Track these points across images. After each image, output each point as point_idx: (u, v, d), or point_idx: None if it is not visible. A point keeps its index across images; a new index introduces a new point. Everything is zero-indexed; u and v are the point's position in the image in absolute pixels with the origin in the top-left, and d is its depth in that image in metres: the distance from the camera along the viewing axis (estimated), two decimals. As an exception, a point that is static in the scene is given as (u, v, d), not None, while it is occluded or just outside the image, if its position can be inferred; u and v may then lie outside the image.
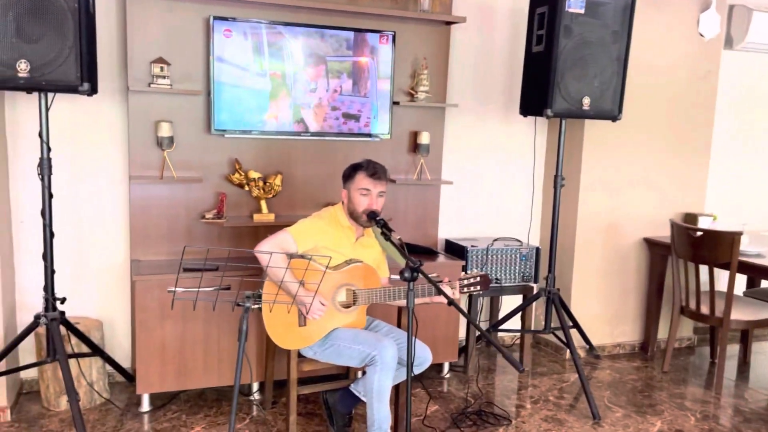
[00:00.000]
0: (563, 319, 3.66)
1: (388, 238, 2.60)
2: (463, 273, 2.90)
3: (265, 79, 3.37)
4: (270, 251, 2.44)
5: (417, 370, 2.79)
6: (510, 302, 4.13)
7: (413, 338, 2.39)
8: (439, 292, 2.40)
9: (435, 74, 3.79)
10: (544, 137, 4.24)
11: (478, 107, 4.06)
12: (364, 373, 2.82)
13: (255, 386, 3.40)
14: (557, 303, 3.68)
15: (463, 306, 3.90)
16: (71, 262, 3.37)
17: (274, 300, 2.37)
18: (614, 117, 3.58)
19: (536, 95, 3.52)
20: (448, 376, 3.78)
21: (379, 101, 3.61)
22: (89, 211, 3.38)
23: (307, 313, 2.59)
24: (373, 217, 2.70)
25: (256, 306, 2.48)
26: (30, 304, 3.26)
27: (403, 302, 2.83)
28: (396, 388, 2.94)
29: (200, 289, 2.45)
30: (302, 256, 2.71)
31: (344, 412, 2.94)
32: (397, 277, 3.38)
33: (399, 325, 3.06)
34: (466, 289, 2.85)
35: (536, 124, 4.06)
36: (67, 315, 3.28)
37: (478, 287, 2.87)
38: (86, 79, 2.65)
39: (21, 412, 3.12)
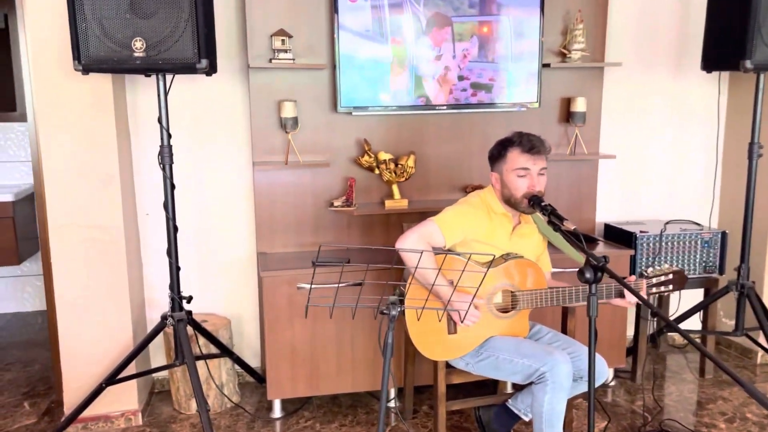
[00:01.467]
0: (762, 319, 2.99)
1: (557, 229, 2.11)
2: (650, 269, 2.35)
3: (386, 48, 2.95)
4: (416, 249, 2.03)
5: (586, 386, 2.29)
6: (688, 297, 3.47)
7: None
8: (636, 296, 1.88)
9: (591, 29, 3.20)
10: (725, 98, 3.50)
11: (643, 65, 3.42)
12: (521, 387, 2.36)
13: (392, 392, 3.04)
14: (753, 299, 3.01)
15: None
16: (197, 257, 3.17)
17: (422, 306, 1.96)
18: (832, 66, 2.82)
19: (727, 45, 2.84)
20: (613, 384, 3.23)
21: (515, 67, 3.07)
22: (212, 201, 3.15)
23: (462, 320, 2.17)
24: (537, 202, 2.22)
25: (405, 308, 2.10)
26: (159, 301, 3.10)
27: (571, 304, 2.34)
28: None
29: (338, 285, 2.09)
30: (450, 251, 2.28)
31: (502, 431, 2.50)
32: (558, 270, 2.89)
33: (564, 330, 2.56)
34: (655, 289, 2.30)
35: (720, 81, 3.33)
36: (194, 312, 3.10)
37: (671, 287, 2.31)
38: (204, 56, 2.37)
39: (152, 414, 2.98)
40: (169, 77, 2.58)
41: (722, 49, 2.89)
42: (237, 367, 3.09)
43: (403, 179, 3.11)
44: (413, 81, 3.01)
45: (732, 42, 2.80)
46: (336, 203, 3.08)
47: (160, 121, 2.55)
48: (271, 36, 2.89)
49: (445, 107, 3.08)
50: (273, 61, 2.90)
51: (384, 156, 3.08)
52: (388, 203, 3.09)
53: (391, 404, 3.04)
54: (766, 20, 2.69)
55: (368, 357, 2.90)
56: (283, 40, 2.88)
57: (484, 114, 3.20)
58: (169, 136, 2.57)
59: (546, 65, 3.14)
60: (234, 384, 3.08)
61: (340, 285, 2.74)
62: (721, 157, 3.54)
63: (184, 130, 3.05)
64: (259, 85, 2.99)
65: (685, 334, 2.18)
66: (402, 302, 2.06)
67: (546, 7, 3.06)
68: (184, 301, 2.68)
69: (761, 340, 3.22)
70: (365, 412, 2.97)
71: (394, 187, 3.12)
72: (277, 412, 2.94)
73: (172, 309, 2.66)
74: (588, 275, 1.90)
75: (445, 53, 3.02)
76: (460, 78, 3.05)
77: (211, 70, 2.55)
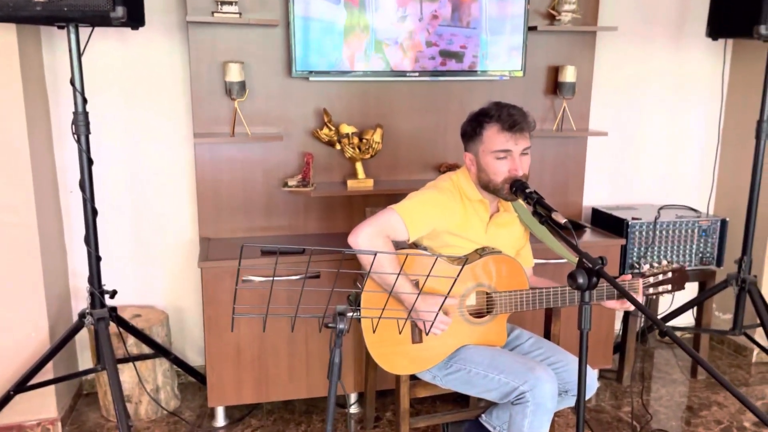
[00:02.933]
0: (764, 316, 2.70)
1: (545, 221, 1.75)
2: (647, 266, 2.01)
3: (338, 7, 2.53)
4: (373, 250, 1.66)
5: (573, 400, 1.98)
6: (682, 291, 3.16)
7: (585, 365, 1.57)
8: (636, 305, 1.53)
9: (584, -13, 2.82)
10: (728, 69, 3.15)
11: (641, 32, 3.05)
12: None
13: (353, 397, 2.70)
14: (755, 294, 2.71)
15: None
16: (131, 242, 2.77)
17: (379, 316, 1.60)
18: None
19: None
20: (597, 385, 2.92)
21: (492, 33, 2.68)
22: (148, 179, 2.74)
23: (427, 331, 1.81)
24: (520, 188, 1.85)
25: (354, 316, 1.73)
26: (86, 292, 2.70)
27: (557, 307, 1.99)
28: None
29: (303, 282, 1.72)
30: (415, 246, 1.92)
31: (473, 451, 2.18)
32: (541, 261, 2.54)
33: (548, 334, 2.22)
34: (652, 290, 1.97)
35: (725, 51, 2.98)
36: (130, 304, 2.73)
37: (670, 287, 1.99)
38: (120, 3, 1.94)
39: (76, 422, 2.60)
40: (85, 31, 2.15)
41: (732, 14, 2.53)
42: (177, 367, 2.72)
43: (369, 156, 2.73)
44: (372, 46, 2.60)
45: (743, 5, 2.44)
46: (290, 182, 2.69)
47: (72, 82, 2.13)
48: (214, -15, 2.46)
49: (417, 74, 2.69)
50: (216, 14, 2.47)
51: (346, 129, 2.68)
52: (351, 183, 2.71)
53: (352, 410, 2.70)
54: (786, -21, 2.34)
55: (325, 359, 2.54)
56: (227, -9, 2.46)
57: (462, 83, 2.81)
58: (84, 101, 2.15)
59: (532, 28, 2.75)
60: (173, 386, 2.71)
61: (297, 278, 2.39)
62: (722, 136, 3.21)
63: (111, 96, 2.62)
64: (200, 43, 2.56)
65: (677, 338, 1.86)
66: (353, 304, 1.70)
67: (534, -40, 2.67)
68: (107, 297, 2.29)
69: (758, 337, 2.94)
70: (321, 420, 2.63)
71: (358, 165, 2.73)
72: (220, 420, 2.59)
73: (92, 305, 2.27)
74: (581, 280, 1.55)
75: (410, 15, 2.61)
76: (428, 44, 2.65)
77: (136, 22, 2.14)
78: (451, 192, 1.96)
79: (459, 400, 2.71)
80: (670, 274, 1.98)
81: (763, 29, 2.38)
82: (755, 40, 2.63)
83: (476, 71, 2.72)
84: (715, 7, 2.64)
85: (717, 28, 2.64)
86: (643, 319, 3.11)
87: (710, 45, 3.00)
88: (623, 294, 1.53)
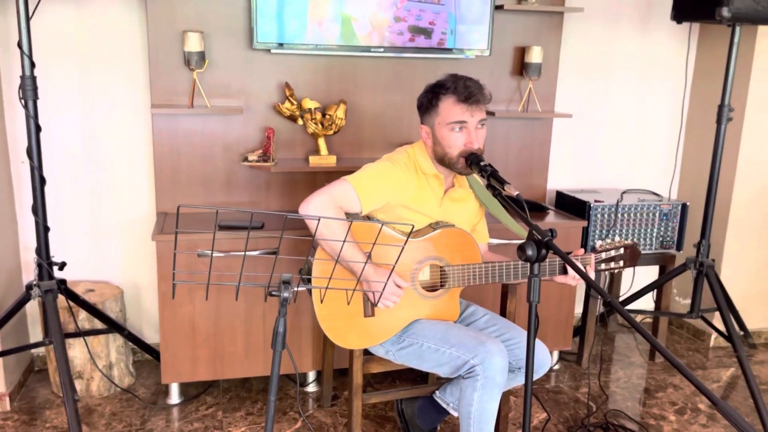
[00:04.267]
0: (720, 301, 2.72)
1: (498, 194, 1.73)
2: (600, 242, 2.01)
3: None
4: (320, 215, 1.62)
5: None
6: (643, 274, 3.19)
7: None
8: (583, 277, 1.52)
9: (552, -33, 2.80)
10: (693, 54, 3.17)
11: (607, 14, 3.04)
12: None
13: (311, 375, 2.68)
14: (712, 278, 2.74)
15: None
16: (86, 215, 2.70)
17: (326, 286, 1.57)
18: (817, 20, 2.50)
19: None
20: (557, 367, 2.94)
21: (462, 9, 2.65)
22: (104, 150, 2.67)
23: (377, 301, 1.79)
24: (475, 161, 1.83)
25: (304, 288, 1.71)
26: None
27: (509, 281, 1.99)
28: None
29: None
30: (369, 219, 1.89)
31: (427, 428, 2.16)
32: (498, 241, 2.54)
33: (504, 312, 2.21)
34: (604, 266, 1.97)
35: (690, 34, 2.98)
36: (84, 279, 2.66)
37: (622, 263, 1.99)
38: (68, -39, 1.87)
39: (25, 398, 2.54)
40: (34, -7, 2.08)
41: (697, -4, 2.53)
42: (132, 343, 2.67)
43: (332, 132, 2.69)
44: (339, 19, 2.55)
45: (708, -13, 2.44)
46: (251, 157, 2.64)
47: (20, 45, 2.05)
48: (173, -49, 2.39)
49: (382, 50, 2.65)
50: (174, -18, 2.40)
51: (309, 104, 2.64)
52: (313, 159, 2.67)
53: (310, 389, 2.68)
54: (749, -38, 2.34)
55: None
56: (186, -43, 2.39)
57: (428, 60, 2.78)
58: (32, 64, 2.08)
59: (499, 7, 2.73)
60: (127, 363, 2.66)
61: (256, 253, 2.35)
62: (686, 121, 3.23)
63: (65, 63, 2.54)
64: (159, 10, 2.49)
65: (630, 318, 1.84)
66: (303, 277, 1.67)
67: (501, -63, 2.64)
68: (56, 268, 2.23)
69: (716, 322, 2.98)
70: (278, 398, 2.60)
71: (321, 141, 2.69)
72: (174, 397, 2.54)
73: (40, 277, 2.20)
74: (530, 252, 1.53)
75: None
76: (396, 19, 2.61)
77: (87, -16, 2.06)
78: (406, 165, 1.93)
79: (418, 379, 2.70)
80: (621, 251, 1.99)
81: (725, 11, 2.39)
82: (720, 24, 2.64)
83: (443, 48, 2.69)
84: (681, -11, 2.64)
85: (681, 11, 2.64)
86: (601, 302, 3.14)
87: (676, 29, 3.01)
88: (570, 264, 1.52)
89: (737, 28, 2.55)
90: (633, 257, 2.03)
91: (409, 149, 1.98)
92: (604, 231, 2.82)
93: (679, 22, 2.67)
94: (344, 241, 1.45)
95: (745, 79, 2.94)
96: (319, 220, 1.38)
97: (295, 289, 1.47)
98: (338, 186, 1.84)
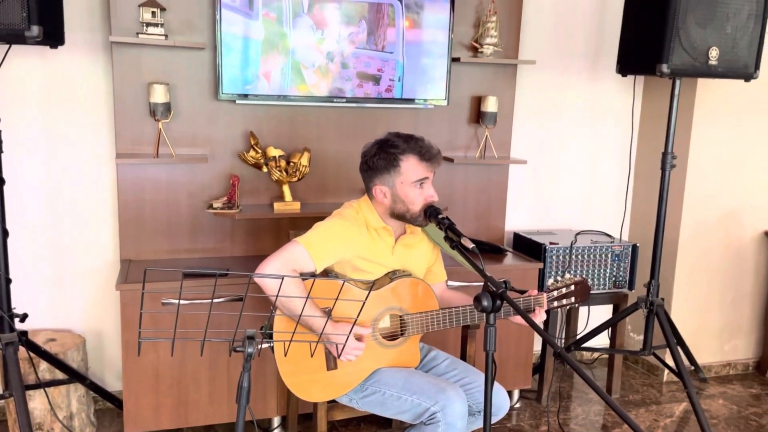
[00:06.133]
0: (670, 338, 2.84)
1: (455, 245, 1.82)
2: (551, 281, 2.11)
3: (256, 24, 2.56)
4: (279, 275, 1.67)
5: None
6: (598, 312, 3.30)
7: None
8: (533, 326, 1.61)
9: (505, 23, 2.95)
10: (639, 104, 3.36)
11: (558, 66, 3.21)
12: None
13: (276, 420, 2.69)
14: (662, 317, 2.86)
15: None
16: (49, 263, 2.69)
17: (290, 339, 1.62)
18: (748, 75, 2.70)
19: (644, 47, 2.66)
20: (518, 406, 3.01)
21: (409, 58, 2.77)
22: (68, 198, 2.68)
23: (339, 355, 1.84)
24: (434, 214, 1.92)
25: (267, 345, 1.75)
26: None
27: (467, 324, 2.06)
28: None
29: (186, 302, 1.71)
30: (328, 274, 1.96)
31: (390, 472, 2.20)
32: (459, 284, 2.63)
33: (464, 356, 2.29)
34: (557, 303, 2.06)
35: (635, 86, 3.17)
36: (45, 328, 2.65)
37: (573, 299, 2.09)
38: (36, 21, 1.93)
39: (-18, 453, 2.49)
40: (1, 49, 2.11)
41: (638, 52, 2.71)
42: (94, 392, 2.64)
43: (296, 179, 2.75)
44: (290, 67, 2.64)
45: (649, 45, 2.62)
46: (215, 204, 2.68)
47: (-15, 100, 2.08)
48: (140, 6, 2.46)
49: (344, 100, 2.75)
50: (141, 35, 2.47)
51: (274, 152, 2.71)
52: (278, 206, 2.73)
53: (274, 434, 2.69)
54: (685, 22, 2.53)
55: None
56: (153, 12, 2.46)
57: (389, 110, 2.89)
58: (-2, 119, 2.10)
59: (456, 59, 2.86)
60: (88, 413, 2.63)
61: (221, 300, 2.38)
62: (633, 166, 3.40)
63: (29, 113, 2.57)
64: (125, 63, 2.55)
65: (572, 362, 1.95)
66: (265, 333, 1.72)
67: (457, -5, 2.79)
68: (17, 320, 2.22)
69: (668, 358, 3.10)
70: (243, 445, 2.60)
71: (285, 188, 2.76)
72: (137, 447, 2.52)
73: (0, 329, 2.19)
74: (485, 303, 1.61)
75: (327, 38, 2.67)
76: (344, 66, 2.71)
77: (54, 41, 2.12)
78: (355, 219, 2.01)
79: (383, 422, 2.73)
80: (573, 287, 2.08)
81: (664, 68, 2.56)
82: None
83: (404, 99, 2.81)
84: (624, 45, 2.81)
85: (625, 65, 2.81)
86: (562, 340, 3.24)
87: (622, 79, 3.19)
88: (523, 316, 1.60)
89: (677, 82, 2.72)
90: (584, 293, 2.12)
91: (355, 204, 2.06)
92: (559, 272, 2.93)
93: (623, 75, 2.84)
94: (307, 298, 1.50)
95: (687, 126, 3.13)
96: (282, 279, 1.43)
97: (260, 346, 1.51)
98: (290, 249, 1.90)
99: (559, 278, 2.14)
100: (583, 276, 2.95)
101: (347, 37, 2.67)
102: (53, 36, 2.08)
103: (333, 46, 2.67)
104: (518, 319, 2.02)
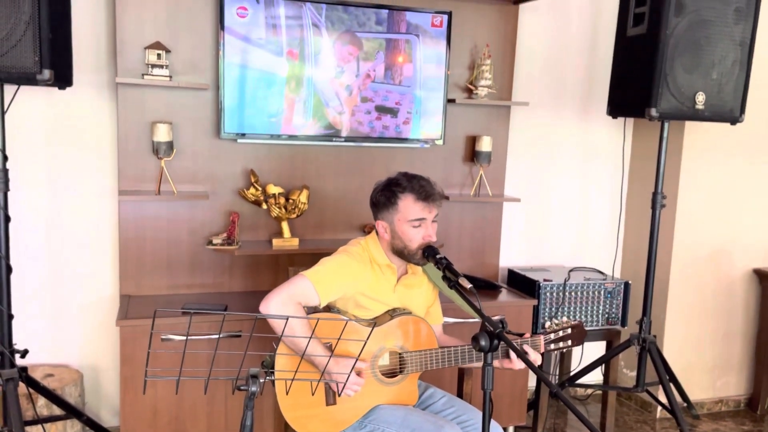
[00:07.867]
0: (662, 375, 2.88)
1: (453, 285, 1.86)
2: (548, 323, 2.15)
3: (281, 60, 2.66)
4: (284, 315, 1.71)
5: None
6: (591, 349, 3.33)
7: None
8: (532, 369, 1.65)
9: (499, 65, 3.05)
10: (629, 144, 3.45)
11: (550, 107, 3.30)
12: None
13: (272, 457, 2.69)
14: (654, 353, 2.90)
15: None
16: (48, 298, 2.71)
17: (292, 378, 1.65)
18: (734, 119, 2.79)
19: (633, 91, 2.76)
20: (511, 442, 3.02)
21: (423, 92, 2.87)
22: (69, 234, 2.72)
23: (340, 392, 1.87)
24: (432, 254, 1.97)
25: (269, 379, 1.77)
26: None
27: (465, 365, 2.09)
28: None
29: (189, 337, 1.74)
30: (330, 309, 2.00)
31: None
32: (455, 320, 2.67)
33: (461, 393, 2.31)
34: (553, 346, 2.10)
35: (625, 127, 3.26)
36: (43, 363, 2.66)
37: (570, 342, 2.12)
38: (48, 65, 1.98)
39: (-24, 490, 2.47)
40: (10, 89, 2.17)
41: (628, 96, 2.80)
42: (89, 428, 2.64)
43: (295, 216, 2.81)
44: (312, 103, 2.72)
45: (638, 89, 2.71)
46: (215, 241, 2.72)
47: (-6, 140, 2.13)
48: (145, 49, 2.54)
49: (343, 139, 2.82)
50: (146, 76, 2.54)
51: (273, 189, 2.77)
52: (276, 242, 2.78)
53: (270, 471, 2.68)
54: (673, 68, 2.62)
55: (243, 418, 2.54)
56: (159, 54, 2.54)
57: (387, 149, 2.96)
58: (5, 158, 2.15)
59: (451, 101, 2.95)
60: (84, 449, 2.62)
61: (220, 336, 2.40)
62: (624, 204, 3.47)
63: (34, 150, 2.62)
64: (129, 103, 2.61)
65: (568, 402, 1.96)
66: (267, 370, 1.75)
67: (453, 37, 2.89)
68: (18, 356, 2.23)
69: (661, 395, 3.12)
70: (238, 482, 2.59)
71: (284, 225, 2.81)
72: (132, 484, 2.51)
73: (1, 365, 2.20)
74: (483, 342, 1.66)
75: (347, 72, 2.76)
76: (364, 99, 2.80)
77: (63, 83, 2.18)
78: (361, 256, 2.06)
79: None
80: (569, 330, 2.12)
81: (653, 111, 2.65)
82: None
83: (401, 138, 2.88)
84: (614, 89, 2.90)
85: (615, 107, 2.90)
86: (557, 377, 3.26)
87: (612, 121, 3.28)
88: (521, 357, 1.64)
89: (666, 124, 2.81)
90: (580, 336, 2.16)
91: (363, 242, 2.11)
92: (553, 309, 2.98)
93: (614, 117, 2.93)
94: (310, 338, 1.54)
95: (676, 166, 3.22)
96: (287, 319, 1.47)
97: (262, 380, 1.54)
98: (296, 282, 1.94)
99: (555, 321, 2.18)
100: (578, 319, 2.99)
101: (365, 71, 2.77)
102: (62, 78, 2.14)
103: (351, 80, 2.75)
104: (509, 364, 2.02)
